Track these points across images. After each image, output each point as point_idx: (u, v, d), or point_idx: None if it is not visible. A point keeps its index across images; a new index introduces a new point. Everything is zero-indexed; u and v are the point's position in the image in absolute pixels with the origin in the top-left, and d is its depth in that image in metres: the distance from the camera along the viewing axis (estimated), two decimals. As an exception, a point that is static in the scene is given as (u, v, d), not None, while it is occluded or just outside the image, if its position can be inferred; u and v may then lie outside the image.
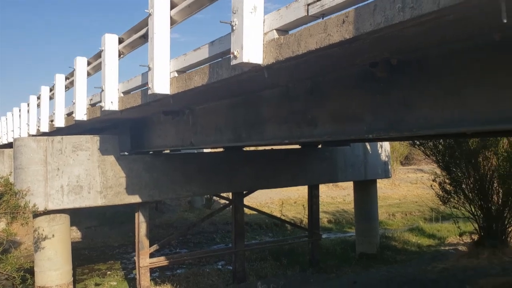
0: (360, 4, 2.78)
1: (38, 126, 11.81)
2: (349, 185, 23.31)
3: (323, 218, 18.64)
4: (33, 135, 12.10)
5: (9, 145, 16.60)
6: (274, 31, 3.46)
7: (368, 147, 12.82)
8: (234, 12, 3.51)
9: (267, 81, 4.46)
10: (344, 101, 4.09)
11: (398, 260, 12.91)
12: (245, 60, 3.43)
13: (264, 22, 3.51)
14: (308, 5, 3.14)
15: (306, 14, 3.16)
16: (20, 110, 14.40)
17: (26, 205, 7.77)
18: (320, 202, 13.29)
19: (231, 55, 3.55)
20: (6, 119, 17.66)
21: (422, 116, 3.43)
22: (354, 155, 12.48)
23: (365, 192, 13.49)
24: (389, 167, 13.78)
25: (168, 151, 11.36)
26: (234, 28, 3.50)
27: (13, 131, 15.91)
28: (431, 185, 12.95)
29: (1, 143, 18.78)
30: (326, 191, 23.09)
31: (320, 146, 12.05)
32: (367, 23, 2.67)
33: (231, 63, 3.57)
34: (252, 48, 3.45)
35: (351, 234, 16.54)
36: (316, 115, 4.45)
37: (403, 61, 3.47)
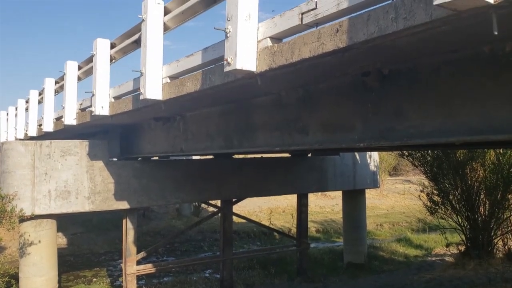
0: (354, 14, 2.82)
1: (26, 130, 11.69)
2: (338, 194, 23.40)
3: (311, 227, 18.65)
4: (20, 139, 11.96)
5: (-4, 149, 16.39)
6: (268, 39, 3.49)
7: (357, 157, 12.90)
8: (228, 19, 3.53)
9: (260, 89, 4.48)
10: (336, 110, 4.13)
11: (385, 270, 12.96)
12: (238, 67, 3.45)
13: (258, 29, 3.54)
14: (302, 14, 3.17)
15: (300, 22, 3.20)
16: (7, 114, 14.24)
17: (13, 210, 7.66)
18: (308, 211, 13.31)
19: (225, 62, 3.56)
20: (-7, 123, 17.44)
21: (413, 125, 3.47)
22: (344, 164, 12.55)
23: (354, 202, 13.55)
24: (378, 177, 13.88)
25: (157, 158, 11.32)
26: (228, 35, 3.52)
27: (-1, 135, 15.72)
28: (419, 196, 13.05)
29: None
30: (314, 200, 23.13)
31: (310, 155, 12.10)
32: (361, 33, 2.71)
33: (225, 70, 3.58)
34: (246, 55, 3.47)
35: (339, 244, 16.58)
36: (307, 123, 4.48)
37: (395, 71, 3.52)
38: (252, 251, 14.77)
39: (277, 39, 3.50)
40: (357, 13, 2.82)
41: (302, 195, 12.59)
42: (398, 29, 2.48)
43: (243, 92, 4.98)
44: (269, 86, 4.41)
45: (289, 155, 11.94)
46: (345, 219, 14.01)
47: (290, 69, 3.42)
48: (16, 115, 12.87)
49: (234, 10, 3.44)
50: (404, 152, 12.31)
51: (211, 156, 11.01)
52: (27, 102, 11.69)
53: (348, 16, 2.84)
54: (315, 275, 12.30)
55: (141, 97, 5.07)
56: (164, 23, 4.92)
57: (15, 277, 8.49)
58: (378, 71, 3.54)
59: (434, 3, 2.12)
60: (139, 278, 10.69)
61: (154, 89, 4.96)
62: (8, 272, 6.60)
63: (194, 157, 15.95)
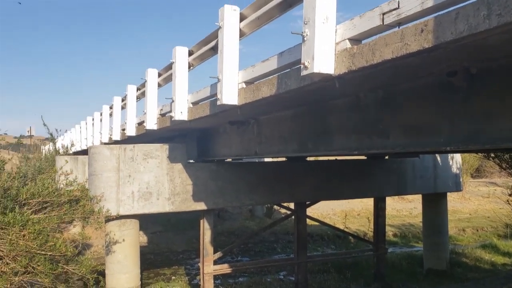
0: (440, 12, 2.67)
1: (110, 135, 12.41)
2: (415, 197, 22.49)
3: (388, 231, 18.02)
4: (105, 143, 12.71)
5: (82, 152, 17.57)
6: (347, 40, 3.41)
7: (438, 158, 12.28)
8: (305, 23, 3.50)
9: (337, 91, 4.40)
10: (419, 112, 3.95)
11: (470, 278, 12.23)
12: (316, 70, 3.41)
13: (336, 32, 3.47)
14: (384, 14, 3.07)
15: (381, 23, 3.09)
16: (93, 119, 15.21)
17: (100, 210, 8.14)
18: (385, 215, 12.88)
19: (301, 66, 3.54)
20: (80, 127, 18.74)
21: (506, 128, 3.23)
22: (424, 166, 11.99)
23: (435, 206, 12.92)
24: (461, 179, 13.13)
25: (230, 160, 11.54)
26: (305, 38, 3.49)
27: (86, 139, 16.83)
28: (507, 200, 12.16)
29: (75, 150, 19.93)
30: (391, 203, 22.37)
31: (387, 157, 11.71)
32: (448, 32, 2.56)
33: (301, 74, 3.56)
34: (324, 58, 3.42)
35: (418, 249, 15.91)
36: (388, 126, 4.33)
37: (484, 70, 3.30)
38: (327, 254, 14.59)
39: (356, 40, 3.42)
40: (443, 11, 2.67)
41: (379, 199, 12.22)
42: (491, 26, 2.31)
43: (319, 95, 4.92)
44: (346, 88, 4.32)
45: (365, 157, 11.65)
46: (425, 223, 13.41)
47: (370, 71, 3.32)
48: (101, 120, 13.71)
49: (312, 13, 3.40)
50: (490, 153, 11.55)
51: (284, 158, 11.02)
52: (110, 108, 12.41)
53: (434, 15, 2.69)
54: (393, 281, 11.89)
55: (218, 103, 5.18)
56: (240, 29, 4.99)
57: (102, 274, 9.02)
58: (466, 70, 3.33)
59: (536, -3, 1.94)
60: (215, 277, 10.94)
61: (230, 94, 5.05)
62: (97, 269, 7.02)
63: (266, 159, 16.07)
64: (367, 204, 20.65)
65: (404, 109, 4.11)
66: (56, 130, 23.23)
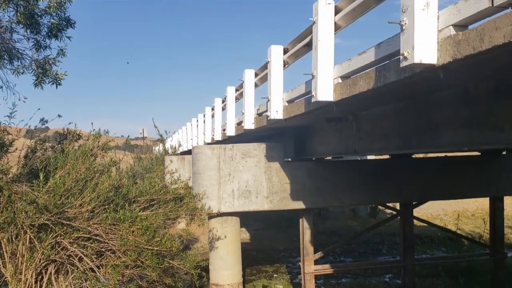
0: None
1: (213, 135, 12.88)
2: (540, 197, 20.16)
3: (508, 234, 16.37)
4: (208, 143, 13.22)
5: (188, 152, 18.48)
6: (451, 27, 3.10)
7: None
8: (403, 11, 3.26)
9: (441, 82, 4.04)
10: (540, 102, 3.46)
11: None
12: (416, 61, 3.16)
13: (438, 18, 3.17)
14: (493, -6, 2.72)
15: (491, 5, 2.74)
16: (197, 120, 15.93)
17: (203, 208, 8.45)
18: (504, 216, 11.70)
19: (401, 57, 3.31)
20: (186, 128, 19.76)
21: None
22: (550, 162, 10.66)
23: None
24: None
25: (329, 158, 11.29)
26: (403, 27, 3.25)
27: (191, 139, 17.70)
28: None
29: (182, 150, 21.03)
30: (510, 203, 20.33)
31: (504, 152, 10.62)
32: None
33: (401, 65, 3.33)
34: (425, 47, 3.15)
35: (544, 255, 14.23)
36: (502, 118, 3.87)
37: None
38: (437, 257, 13.71)
39: (461, 26, 3.09)
40: None
41: (496, 198, 11.14)
42: None
43: (421, 87, 4.57)
44: (452, 78, 3.95)
45: (478, 153, 10.68)
46: (552, 226, 11.95)
47: (478, 59, 2.97)
48: (204, 121, 14.30)
49: (410, 0, 3.15)
50: None
51: (387, 156, 10.51)
52: (212, 109, 12.88)
53: (557, -11, 2.32)
54: (514, 290, 10.78)
55: (313, 100, 5.07)
56: (335, 23, 4.82)
57: (206, 269, 9.35)
58: None
59: None
60: (317, 277, 10.80)
61: (325, 90, 4.91)
62: (200, 264, 7.25)
63: (368, 157, 15.52)
64: (482, 203, 19.04)
65: (522, 99, 3.64)
66: (166, 131, 24.69)
